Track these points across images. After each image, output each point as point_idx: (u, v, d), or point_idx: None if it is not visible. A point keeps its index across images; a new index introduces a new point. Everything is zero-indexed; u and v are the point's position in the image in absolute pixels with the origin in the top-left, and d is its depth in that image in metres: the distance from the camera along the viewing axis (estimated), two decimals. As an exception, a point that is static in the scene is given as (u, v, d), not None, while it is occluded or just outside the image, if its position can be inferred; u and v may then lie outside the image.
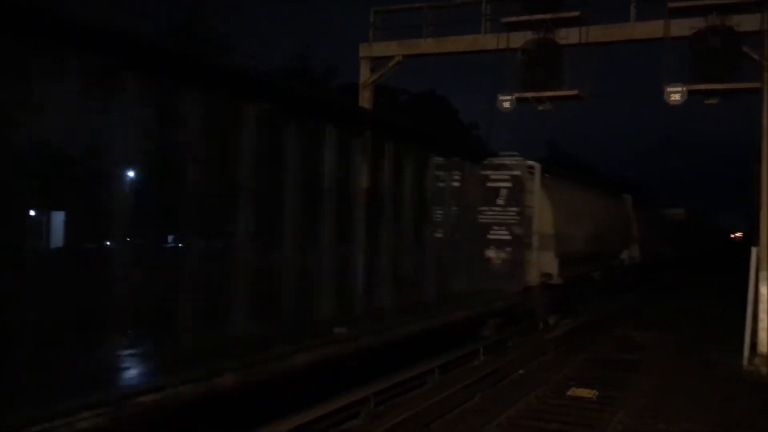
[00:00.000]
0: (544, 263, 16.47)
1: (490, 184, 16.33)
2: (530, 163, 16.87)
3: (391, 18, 17.05)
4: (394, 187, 12.36)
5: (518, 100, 15.38)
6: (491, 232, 16.26)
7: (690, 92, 14.07)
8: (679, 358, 14.52)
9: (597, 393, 11.02)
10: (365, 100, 16.56)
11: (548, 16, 14.98)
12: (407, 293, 12.53)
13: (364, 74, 16.85)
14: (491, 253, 16.18)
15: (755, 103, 14.09)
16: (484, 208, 16.21)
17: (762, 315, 13.79)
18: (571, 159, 60.22)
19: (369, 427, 8.58)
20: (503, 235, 16.19)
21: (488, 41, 15.75)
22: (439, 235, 14.53)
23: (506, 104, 15.44)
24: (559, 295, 17.32)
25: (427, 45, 16.32)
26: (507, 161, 16.58)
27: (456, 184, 15.40)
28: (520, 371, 12.48)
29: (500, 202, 16.22)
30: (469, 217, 15.82)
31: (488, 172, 16.38)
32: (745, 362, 13.68)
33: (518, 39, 15.39)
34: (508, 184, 16.28)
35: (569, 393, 11.11)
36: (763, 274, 13.92)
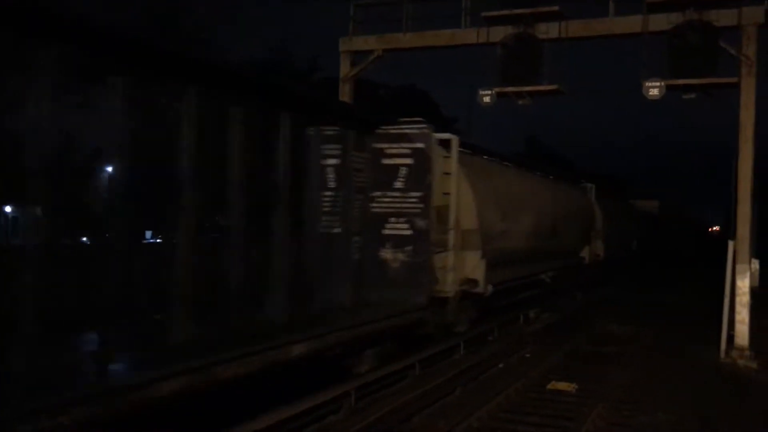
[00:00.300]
0: (465, 267, 13.15)
1: (385, 161, 12.40)
2: (443, 135, 13.17)
3: (371, 12, 16.99)
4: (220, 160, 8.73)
5: (498, 94, 15.38)
6: (387, 225, 12.27)
7: (668, 87, 14.15)
8: (657, 351, 14.65)
9: (576, 386, 11.10)
10: (345, 94, 16.51)
11: (528, 10, 14.98)
12: (226, 315, 8.73)
13: (345, 68, 16.79)
14: (386, 254, 12.20)
15: (733, 98, 14.26)
16: (377, 193, 12.38)
17: (739, 308, 13.97)
18: (552, 154, 60.54)
19: (350, 422, 8.56)
20: (402, 229, 12.15)
21: (468, 36, 15.75)
22: (312, 229, 11.12)
23: (486, 99, 15.44)
24: (490, 305, 14.45)
25: (407, 39, 16.27)
26: (408, 130, 12.40)
27: (334, 161, 11.88)
28: (500, 365, 12.52)
29: (398, 185, 12.27)
30: (357, 206, 12.08)
31: (383, 145, 12.43)
32: (722, 355, 13.84)
33: (498, 33, 15.39)
34: (409, 161, 12.26)
35: (549, 386, 11.17)
36: (739, 268, 14.10)
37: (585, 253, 22.78)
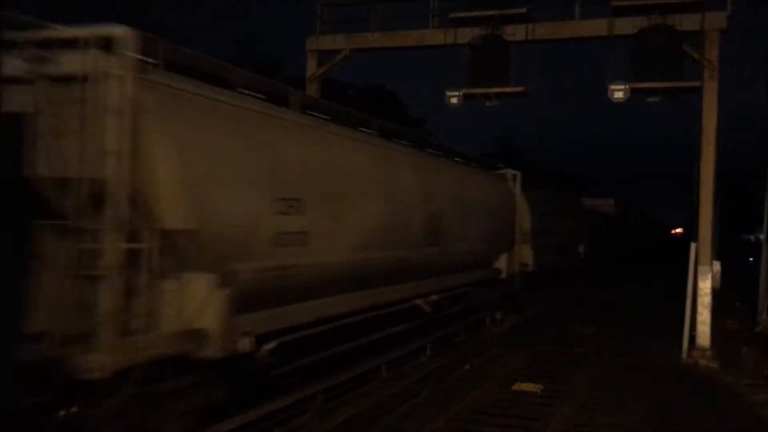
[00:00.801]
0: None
1: None
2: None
3: (339, 11, 16.92)
4: None
5: (466, 95, 15.43)
6: None
7: (633, 90, 14.34)
8: (620, 351, 14.82)
9: (542, 387, 11.15)
10: (312, 93, 16.39)
11: (495, 12, 15.06)
12: None
13: (311, 68, 16.68)
14: None
15: (696, 102, 14.48)
16: None
17: (700, 309, 14.19)
18: (521, 155, 61.02)
19: (316, 424, 8.48)
20: None
21: (436, 36, 15.77)
22: None
23: (454, 100, 15.48)
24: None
25: (375, 39, 16.23)
26: None
27: None
28: (467, 366, 12.53)
29: None
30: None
31: None
32: (684, 355, 14.05)
33: (466, 35, 15.43)
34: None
35: (515, 387, 11.21)
36: (701, 269, 14.32)
37: (501, 263, 16.81)
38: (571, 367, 12.92)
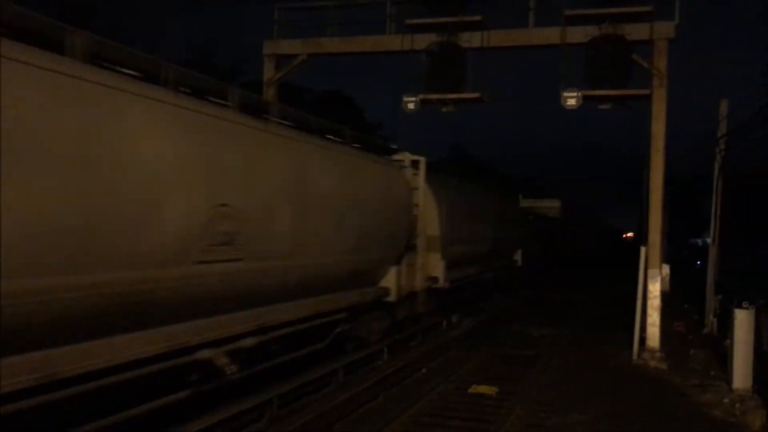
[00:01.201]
0: None
1: None
2: None
3: (296, 15, 16.90)
4: None
5: (423, 101, 15.55)
6: None
7: (585, 97, 14.63)
8: (573, 353, 15.08)
9: (497, 389, 11.30)
10: (270, 98, 16.32)
11: (451, 19, 15.22)
12: None
13: (269, 72, 16.62)
14: None
15: (646, 110, 14.85)
16: None
17: (650, 311, 14.53)
18: (476, 161, 61.60)
19: (272, 430, 8.45)
20: None
21: (393, 42, 15.86)
22: None
23: (411, 105, 15.58)
24: None
25: (332, 44, 16.27)
26: None
27: None
28: (423, 370, 12.62)
29: None
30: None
31: None
32: (634, 356, 14.37)
33: (423, 41, 15.56)
34: None
35: (470, 390, 11.34)
36: (651, 272, 14.67)
37: (390, 280, 12.82)
38: (525, 368, 13.12)
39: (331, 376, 10.75)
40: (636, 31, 14.45)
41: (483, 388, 11.37)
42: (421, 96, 15.52)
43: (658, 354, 14.30)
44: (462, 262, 17.30)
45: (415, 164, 14.35)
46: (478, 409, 10.27)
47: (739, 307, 12.34)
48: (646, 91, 14.61)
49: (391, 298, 12.85)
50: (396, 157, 14.07)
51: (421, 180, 14.46)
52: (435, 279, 15.07)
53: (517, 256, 24.89)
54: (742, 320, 12.18)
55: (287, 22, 16.65)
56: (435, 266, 15.07)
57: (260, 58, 16.75)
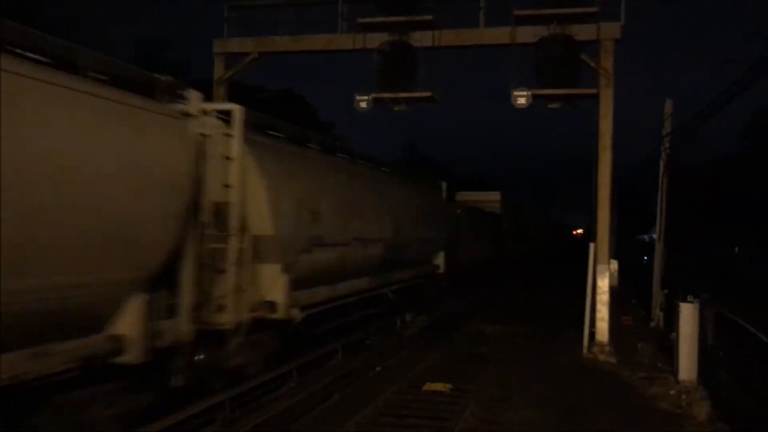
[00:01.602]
0: None
1: None
2: None
3: (247, 14, 16.73)
4: None
5: (375, 100, 15.57)
6: None
7: (534, 96, 14.84)
8: (525, 349, 15.28)
9: (451, 386, 11.38)
10: (220, 97, 16.13)
11: (402, 18, 15.27)
12: None
13: (219, 71, 16.42)
14: None
15: (594, 108, 15.14)
16: None
17: (599, 306, 14.82)
18: (428, 160, 61.93)
19: (224, 433, 8.33)
20: None
21: (344, 41, 15.83)
22: None
23: (363, 104, 15.58)
24: None
25: (283, 43, 16.16)
26: None
27: None
28: (378, 368, 12.64)
29: None
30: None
31: None
32: (585, 351, 14.63)
33: (374, 40, 15.58)
34: None
35: (425, 387, 11.39)
36: (600, 268, 14.96)
37: (124, 326, 7.03)
38: (479, 365, 13.24)
39: (285, 378, 10.69)
40: (583, 32, 14.72)
41: (437, 386, 11.43)
42: (373, 95, 15.54)
43: (607, 348, 14.59)
44: (329, 277, 12.06)
45: (225, 118, 9.18)
46: (432, 406, 10.32)
47: (684, 301, 12.67)
48: (593, 91, 14.90)
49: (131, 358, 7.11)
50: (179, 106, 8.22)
51: (236, 144, 9.14)
52: (272, 307, 9.98)
53: (439, 260, 19.87)
54: (687, 314, 12.50)
55: (239, 20, 16.49)
56: (272, 287, 10.00)
57: (211, 57, 16.56)
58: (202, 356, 8.79)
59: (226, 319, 9.00)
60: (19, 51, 5.95)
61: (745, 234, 42.60)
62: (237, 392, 9.24)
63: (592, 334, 14.79)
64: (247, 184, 9.37)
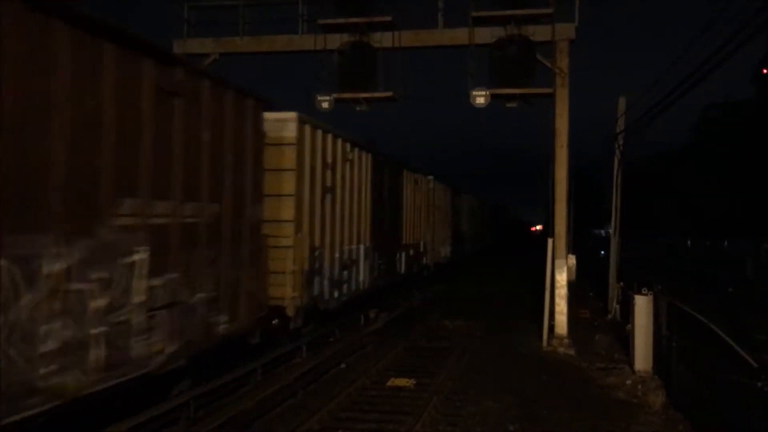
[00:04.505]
0: None
1: None
2: None
3: (207, 14, 16.69)
4: None
5: (337, 100, 15.68)
6: None
7: (493, 96, 15.11)
8: (486, 343, 15.56)
9: (414, 381, 11.57)
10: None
11: (362, 19, 15.40)
12: None
13: (179, 71, 16.31)
14: None
15: (550, 107, 15.47)
16: None
17: (558, 300, 15.18)
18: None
19: (189, 432, 8.39)
20: None
21: (305, 42, 15.91)
22: None
23: (325, 104, 15.68)
24: None
25: (244, 43, 16.17)
26: None
27: None
28: (342, 365, 12.77)
29: None
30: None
31: None
32: (544, 344, 14.98)
33: (335, 41, 15.69)
34: None
35: (389, 383, 11.57)
36: (558, 263, 15.32)
37: None
38: (440, 360, 13.45)
39: (249, 376, 10.76)
40: (539, 32, 15.04)
41: (400, 381, 11.62)
42: (334, 95, 15.64)
43: (566, 341, 14.96)
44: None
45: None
46: (396, 402, 10.49)
47: (639, 293, 13.06)
48: (549, 90, 15.23)
49: None
50: None
51: None
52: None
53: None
54: (642, 306, 12.91)
55: (200, 21, 16.43)
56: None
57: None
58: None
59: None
60: None
61: (699, 225, 43.76)
62: (201, 392, 9.30)
63: (552, 327, 15.14)
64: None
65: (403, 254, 21.39)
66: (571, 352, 14.57)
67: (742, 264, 29.63)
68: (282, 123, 12.39)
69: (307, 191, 13.09)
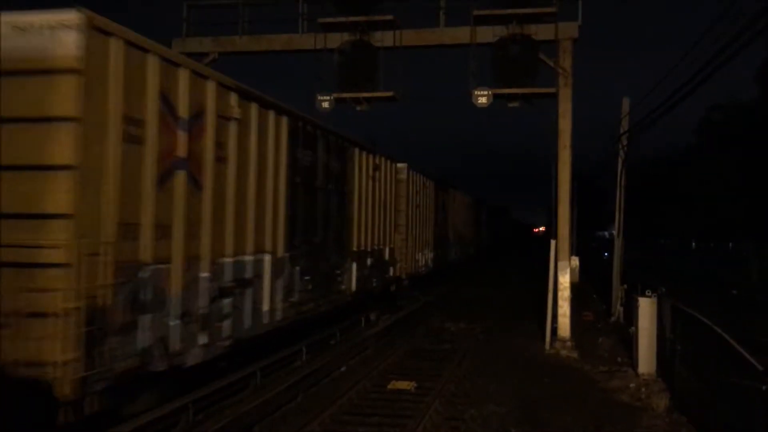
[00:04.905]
0: None
1: None
2: None
3: (206, 13, 16.57)
4: None
5: (337, 100, 15.55)
6: None
7: (495, 96, 14.97)
8: (488, 346, 15.43)
9: (415, 384, 11.43)
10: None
11: (363, 18, 15.26)
12: None
13: (178, 71, 16.18)
14: None
15: (553, 107, 15.33)
16: None
17: (561, 302, 15.04)
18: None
19: (187, 436, 8.25)
20: None
21: (305, 41, 15.78)
22: None
23: (325, 104, 15.54)
24: None
25: (243, 43, 16.05)
26: None
27: None
28: (343, 368, 12.64)
29: None
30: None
31: None
32: (547, 346, 14.84)
33: (335, 40, 15.55)
34: None
35: (389, 386, 11.44)
36: (561, 265, 15.18)
37: None
38: (441, 363, 13.32)
39: (249, 379, 10.62)
40: (542, 31, 14.90)
41: (401, 384, 11.48)
42: (335, 95, 15.51)
43: (569, 343, 14.82)
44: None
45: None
46: (397, 405, 10.36)
47: (643, 295, 12.92)
48: (552, 89, 15.09)
49: None
50: None
51: None
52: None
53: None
54: (645, 308, 12.76)
55: (199, 20, 16.32)
56: None
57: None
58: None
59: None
60: None
61: (703, 228, 43.57)
62: (200, 395, 9.16)
63: (554, 330, 15.00)
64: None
65: (354, 265, 15.66)
66: (574, 354, 14.43)
67: (746, 266, 29.49)
68: (47, 31, 6.97)
69: (116, 163, 7.47)
